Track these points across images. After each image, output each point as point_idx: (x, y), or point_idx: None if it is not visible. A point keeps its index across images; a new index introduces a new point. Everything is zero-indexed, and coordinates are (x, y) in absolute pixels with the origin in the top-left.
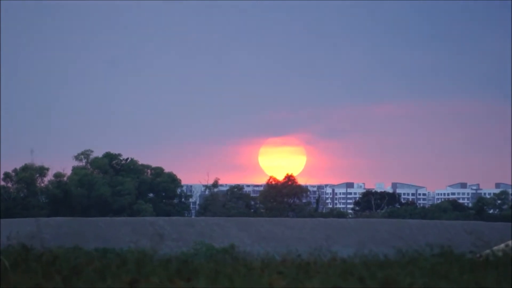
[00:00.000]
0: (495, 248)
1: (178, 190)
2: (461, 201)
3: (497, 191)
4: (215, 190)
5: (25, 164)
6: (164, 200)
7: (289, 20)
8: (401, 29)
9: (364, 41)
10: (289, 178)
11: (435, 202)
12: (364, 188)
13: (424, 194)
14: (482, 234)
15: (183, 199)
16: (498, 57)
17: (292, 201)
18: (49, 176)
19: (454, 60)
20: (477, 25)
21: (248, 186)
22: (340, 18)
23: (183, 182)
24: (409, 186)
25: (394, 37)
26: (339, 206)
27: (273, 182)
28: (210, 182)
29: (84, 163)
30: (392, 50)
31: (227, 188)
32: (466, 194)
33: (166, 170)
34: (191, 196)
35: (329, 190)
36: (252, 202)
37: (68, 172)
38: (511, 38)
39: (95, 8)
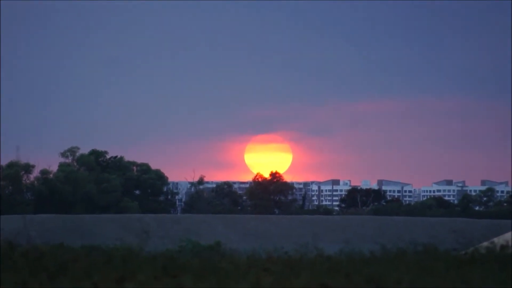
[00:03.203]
0: (480, 245)
1: (165, 188)
2: (446, 198)
3: (483, 188)
4: (201, 187)
5: (11, 161)
6: (150, 197)
7: (276, 17)
8: (388, 25)
9: (350, 38)
10: (275, 175)
11: (421, 199)
12: (350, 185)
13: (410, 191)
14: (467, 232)
15: (169, 196)
16: (486, 55)
17: (278, 198)
18: (35, 173)
19: (440, 57)
20: (464, 21)
21: (234, 183)
22: (327, 14)
23: (169, 179)
24: (395, 183)
25: (381, 33)
26: (325, 203)
27: (260, 179)
28: (196, 179)
29: (70, 160)
30: (377, 47)
31: (213, 185)
32: (451, 191)
33: (153, 167)
34: (177, 193)
35: (315, 187)
36: (239, 199)
37: (54, 169)
38: (510, 35)
39: (80, 7)
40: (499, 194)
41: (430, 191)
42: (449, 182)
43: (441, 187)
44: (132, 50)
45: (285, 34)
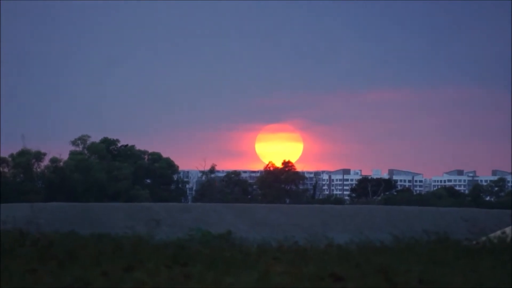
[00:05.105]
0: (491, 235)
1: (175, 176)
2: (457, 188)
3: (494, 178)
4: (212, 176)
5: (22, 149)
6: (161, 186)
7: (286, 7)
8: (397, 15)
9: (359, 27)
10: (287, 164)
11: (432, 189)
12: (361, 175)
13: (420, 181)
14: (478, 221)
15: (180, 185)
16: (496, 44)
17: (289, 187)
18: (46, 161)
19: (451, 46)
20: (473, 11)
21: (245, 172)
22: (335, 4)
23: (180, 168)
24: (405, 172)
25: (390, 23)
26: (336, 192)
27: (271, 168)
28: (207, 168)
29: (81, 148)
30: (388, 36)
31: (224, 174)
32: (462, 181)
33: (164, 156)
34: (188, 182)
35: (325, 177)
36: (249, 188)
37: (65, 157)
38: (511, 24)
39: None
40: (510, 184)
41: (441, 181)
42: (460, 172)
43: (452, 177)
44: (142, 40)
45: (295, 23)
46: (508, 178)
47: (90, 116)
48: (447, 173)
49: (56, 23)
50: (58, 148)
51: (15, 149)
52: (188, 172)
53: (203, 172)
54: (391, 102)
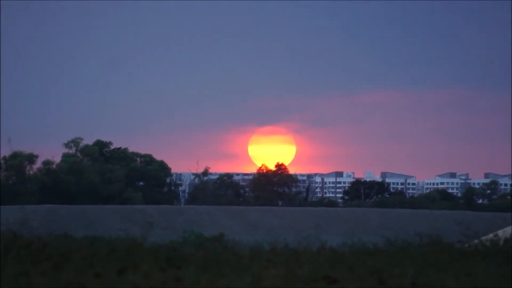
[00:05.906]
0: (483, 238)
1: (168, 179)
2: (450, 190)
3: (486, 181)
4: (205, 178)
5: (14, 152)
6: (154, 189)
7: (280, 9)
8: (389, 17)
9: (352, 30)
10: (280, 167)
11: (424, 191)
12: (354, 178)
13: (413, 184)
14: (471, 224)
15: (172, 188)
16: (489, 46)
17: (281, 190)
18: (38, 164)
19: (442, 49)
20: (473, 11)
21: (237, 174)
22: (329, 7)
23: (172, 171)
24: (398, 175)
25: (383, 25)
26: (329, 195)
27: (264, 170)
28: (200, 170)
29: (73, 151)
30: (380, 38)
31: (217, 176)
32: (455, 183)
33: (156, 158)
34: (180, 184)
35: (318, 179)
36: (242, 191)
37: (58, 159)
38: (511, 24)
39: None
40: (502, 187)
41: (433, 183)
42: (453, 175)
43: (444, 180)
44: (135, 42)
45: (288, 25)
46: (501, 181)
47: (83, 118)
48: (439, 175)
49: (48, 25)
50: (50, 151)
51: (7, 152)
52: (181, 174)
53: (196, 175)
54: (384, 105)
